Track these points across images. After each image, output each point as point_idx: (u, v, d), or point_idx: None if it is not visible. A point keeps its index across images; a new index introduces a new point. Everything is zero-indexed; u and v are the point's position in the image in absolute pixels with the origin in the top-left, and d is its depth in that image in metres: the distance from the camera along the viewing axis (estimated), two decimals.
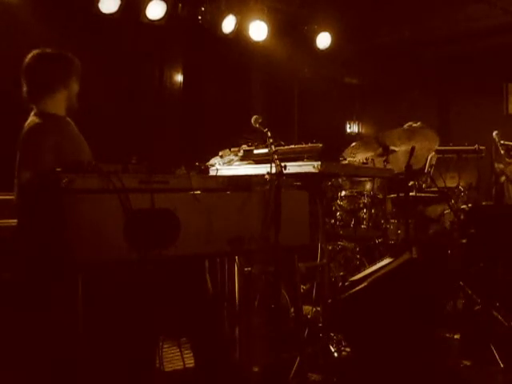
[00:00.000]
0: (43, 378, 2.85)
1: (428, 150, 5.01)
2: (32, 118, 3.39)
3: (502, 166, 5.59)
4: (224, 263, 3.68)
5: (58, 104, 3.46)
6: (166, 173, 2.96)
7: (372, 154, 4.75)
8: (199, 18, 6.61)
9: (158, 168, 2.89)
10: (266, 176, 3.25)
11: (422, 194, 5.31)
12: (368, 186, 4.72)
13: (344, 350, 4.01)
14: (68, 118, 3.52)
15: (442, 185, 5.18)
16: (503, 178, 5.69)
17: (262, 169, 3.55)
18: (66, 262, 2.60)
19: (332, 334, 4.02)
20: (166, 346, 3.47)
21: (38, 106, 3.42)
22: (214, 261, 3.63)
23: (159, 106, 7.06)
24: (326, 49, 7.52)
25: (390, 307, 3.96)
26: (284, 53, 7.53)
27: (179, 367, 3.47)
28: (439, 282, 4.55)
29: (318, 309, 4.07)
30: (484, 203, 5.75)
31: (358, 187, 4.66)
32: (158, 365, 3.27)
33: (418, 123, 5.25)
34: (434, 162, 5.45)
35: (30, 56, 3.46)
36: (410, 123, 5.21)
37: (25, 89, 3.44)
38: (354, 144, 4.84)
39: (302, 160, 4.00)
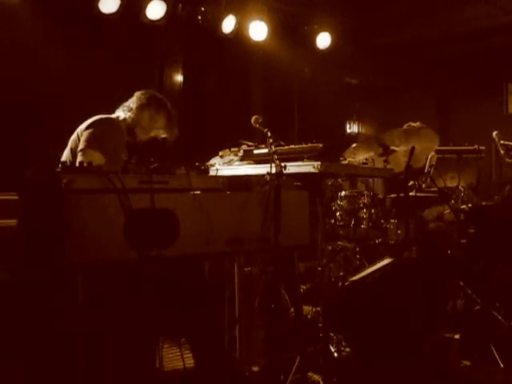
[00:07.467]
0: (43, 378, 2.84)
1: (428, 150, 5.01)
2: None
3: None
4: (224, 263, 3.68)
5: None
6: (166, 173, 2.96)
7: (372, 153, 4.75)
8: (199, 17, 6.60)
9: (158, 168, 2.89)
10: (266, 176, 3.25)
11: (422, 194, 5.31)
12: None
13: (344, 350, 4.01)
14: None
15: (442, 185, 5.17)
16: None
17: (262, 169, 3.55)
18: (66, 262, 2.60)
19: (332, 334, 4.02)
20: (165, 346, 3.46)
21: None
22: (214, 261, 3.63)
23: None
24: (326, 49, 7.51)
25: (389, 307, 3.96)
26: (284, 53, 7.52)
27: (179, 367, 3.46)
28: (439, 282, 4.54)
29: (318, 309, 4.07)
30: (484, 203, 5.74)
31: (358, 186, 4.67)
32: (157, 365, 3.27)
33: (418, 123, 5.25)
34: (434, 162, 5.44)
35: None
36: (409, 123, 5.21)
37: None
38: (354, 145, 4.84)
39: (302, 160, 4.00)
